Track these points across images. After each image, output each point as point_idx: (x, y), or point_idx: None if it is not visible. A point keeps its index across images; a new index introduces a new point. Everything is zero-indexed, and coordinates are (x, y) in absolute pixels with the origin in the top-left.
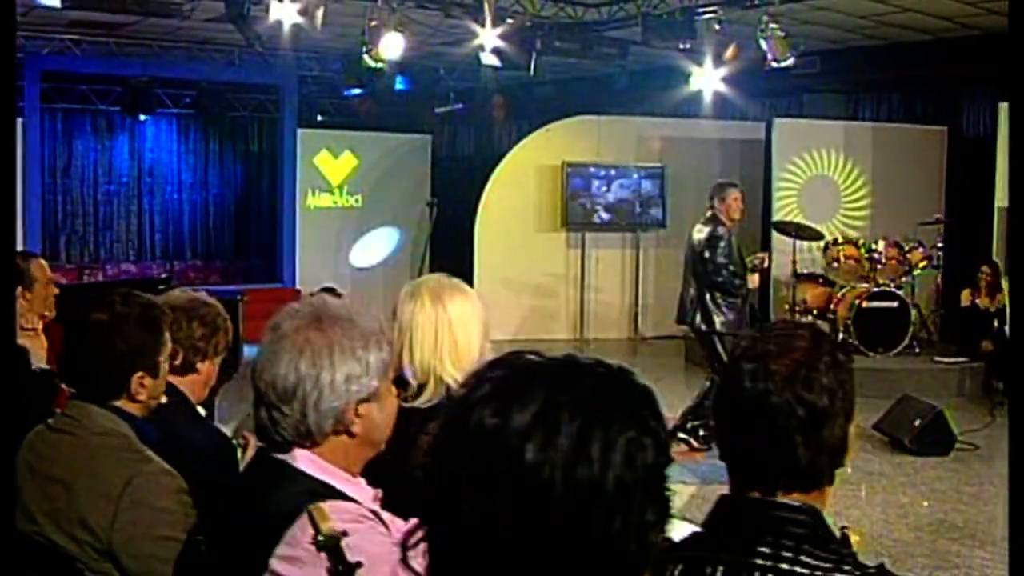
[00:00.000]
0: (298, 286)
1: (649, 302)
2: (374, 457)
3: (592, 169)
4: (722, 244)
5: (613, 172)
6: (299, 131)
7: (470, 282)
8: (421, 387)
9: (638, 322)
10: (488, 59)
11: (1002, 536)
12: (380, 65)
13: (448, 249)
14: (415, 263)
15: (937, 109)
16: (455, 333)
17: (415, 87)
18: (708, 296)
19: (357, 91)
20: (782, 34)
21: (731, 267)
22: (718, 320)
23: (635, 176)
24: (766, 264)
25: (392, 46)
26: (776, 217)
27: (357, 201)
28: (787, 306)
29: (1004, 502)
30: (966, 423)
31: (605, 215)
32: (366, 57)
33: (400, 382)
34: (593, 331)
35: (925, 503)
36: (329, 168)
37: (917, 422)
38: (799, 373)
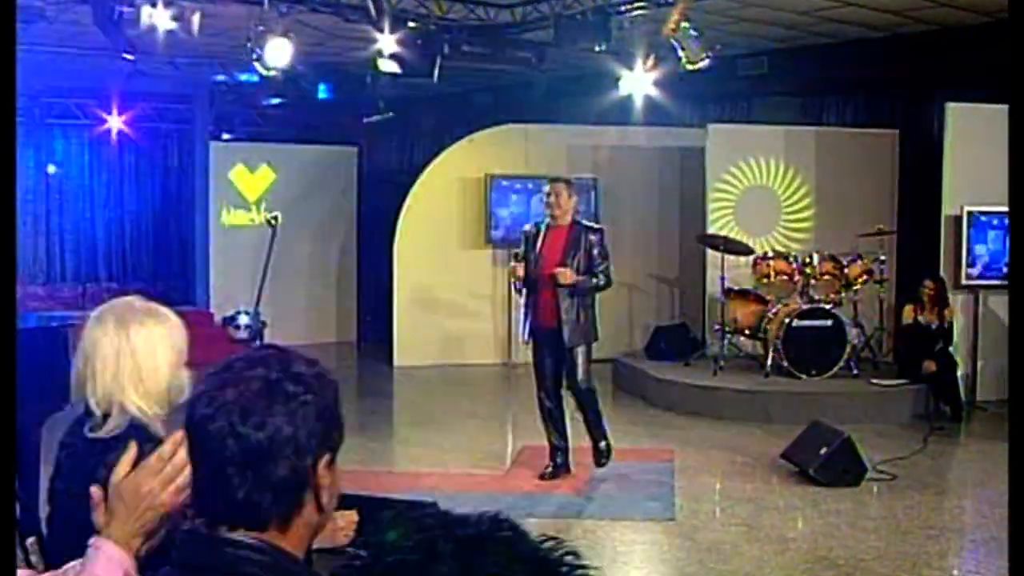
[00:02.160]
0: (212, 309)
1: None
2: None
3: (517, 182)
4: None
5: (541, 186)
6: (212, 144)
7: (390, 303)
8: (106, 416)
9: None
10: (386, 65)
11: (885, 574)
12: (272, 73)
13: (373, 268)
14: (343, 283)
15: (891, 112)
16: (139, 360)
17: (341, 96)
18: None
19: (276, 100)
20: (695, 34)
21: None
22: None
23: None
24: (519, 260)
25: (279, 53)
26: (711, 230)
27: (276, 218)
28: (718, 326)
29: (903, 536)
30: (892, 451)
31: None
32: (257, 65)
33: (87, 411)
34: (524, 355)
35: (814, 538)
36: (245, 183)
37: (823, 450)
38: (240, 403)
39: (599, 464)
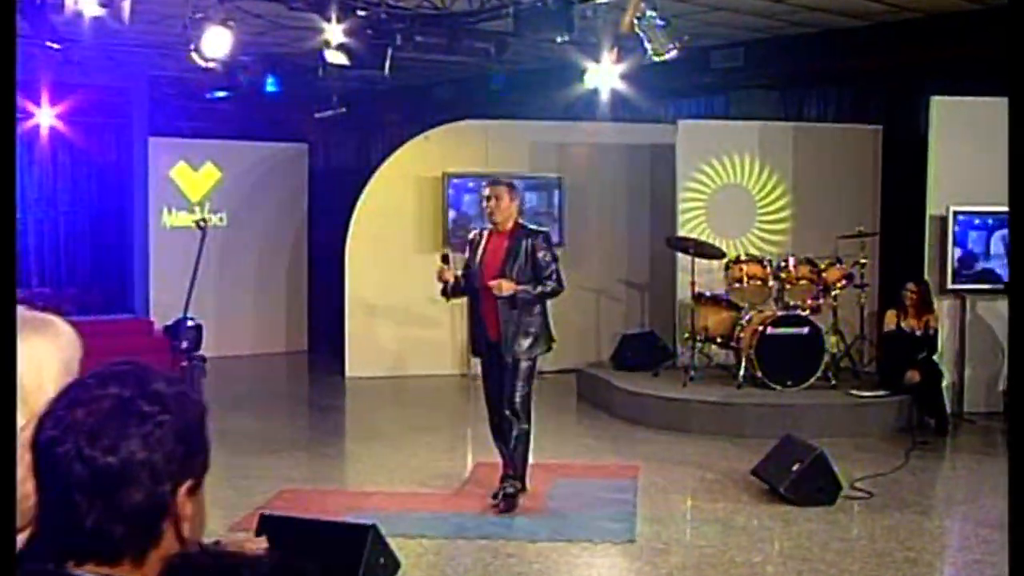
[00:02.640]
0: (151, 317)
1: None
2: None
3: (476, 180)
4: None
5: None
6: (151, 140)
7: (341, 311)
8: None
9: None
10: (334, 57)
11: None
12: (211, 65)
13: (325, 273)
14: (293, 289)
15: (874, 106)
16: (21, 379)
17: (290, 89)
18: None
19: (221, 94)
20: (661, 23)
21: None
22: None
23: (527, 187)
24: (447, 263)
25: (217, 43)
26: (682, 232)
27: (221, 219)
28: (688, 334)
29: (880, 559)
30: (872, 466)
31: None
32: (194, 55)
33: None
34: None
35: (783, 562)
36: (188, 182)
37: (796, 466)
38: (89, 424)
39: (498, 507)
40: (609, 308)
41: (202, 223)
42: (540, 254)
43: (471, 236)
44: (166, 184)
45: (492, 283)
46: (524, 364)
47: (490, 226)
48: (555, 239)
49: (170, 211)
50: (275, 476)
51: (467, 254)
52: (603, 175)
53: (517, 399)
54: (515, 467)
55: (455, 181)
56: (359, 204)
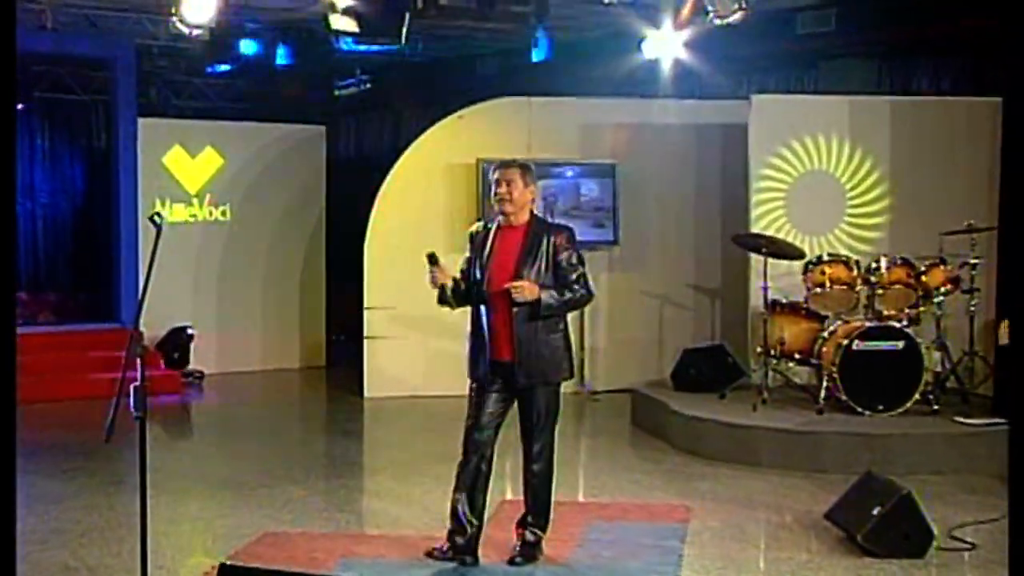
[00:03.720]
0: (142, 327)
1: (599, 345)
2: None
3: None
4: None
5: (548, 171)
6: (141, 122)
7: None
8: None
9: (584, 372)
10: (340, 23)
11: None
12: (199, 32)
13: (345, 276)
14: (309, 295)
15: (992, 74)
16: None
17: (304, 63)
18: None
19: (224, 68)
20: None
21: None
22: None
23: (577, 176)
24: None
25: (200, 7)
26: (756, 228)
27: (223, 213)
28: (759, 348)
29: None
30: (978, 511)
31: None
32: (175, 22)
33: None
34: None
35: None
36: (184, 170)
37: (876, 510)
38: None
39: (515, 558)
40: (673, 317)
41: (157, 218)
42: (564, 255)
43: (473, 230)
44: (159, 173)
45: (515, 284)
46: (544, 393)
47: (499, 219)
48: (609, 236)
49: (164, 204)
50: (263, 514)
51: (468, 253)
52: (666, 161)
53: (538, 443)
54: (536, 510)
55: (490, 168)
56: (379, 197)
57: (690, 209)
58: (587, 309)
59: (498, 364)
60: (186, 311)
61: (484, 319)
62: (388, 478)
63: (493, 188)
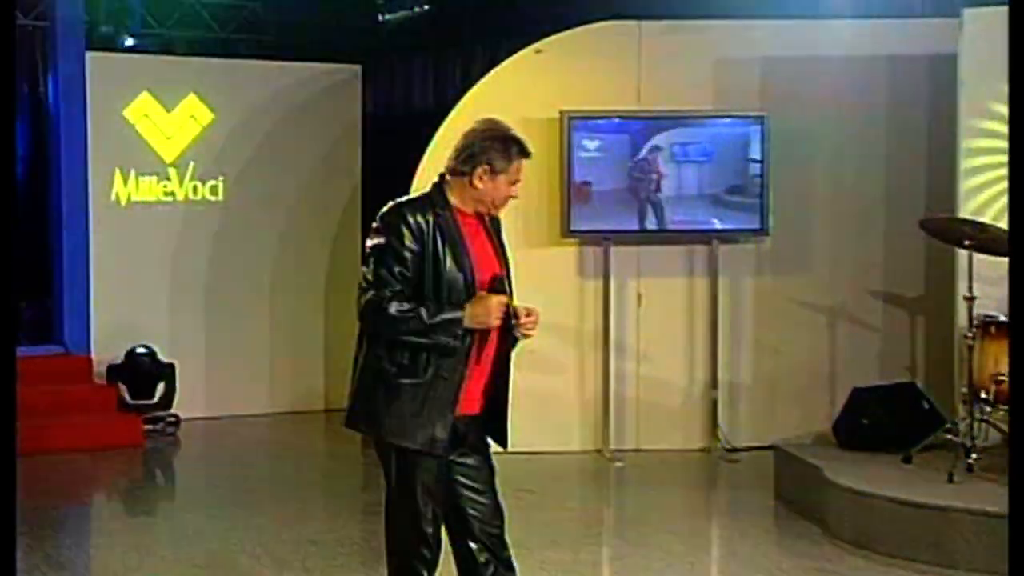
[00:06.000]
0: (92, 352)
1: (740, 380)
2: None
3: (620, 124)
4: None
5: (665, 130)
6: (91, 57)
7: None
8: None
9: (717, 418)
10: None
11: None
12: None
13: None
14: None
15: None
16: None
17: None
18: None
19: None
20: None
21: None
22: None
23: (708, 136)
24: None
25: None
26: (965, 206)
27: (214, 191)
28: (965, 382)
29: None
30: None
31: (649, 214)
32: None
33: None
34: (631, 434)
35: None
36: (156, 129)
37: None
38: None
39: None
40: (851, 341)
41: None
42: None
43: (416, 220)
44: (119, 132)
45: (528, 311)
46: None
47: (454, 202)
48: (754, 223)
49: (127, 176)
50: None
51: (413, 248)
52: (840, 112)
53: (501, 521)
54: None
55: (582, 125)
56: (422, 164)
57: (878, 183)
58: (720, 329)
59: (467, 419)
60: (159, 322)
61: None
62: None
63: (506, 185)
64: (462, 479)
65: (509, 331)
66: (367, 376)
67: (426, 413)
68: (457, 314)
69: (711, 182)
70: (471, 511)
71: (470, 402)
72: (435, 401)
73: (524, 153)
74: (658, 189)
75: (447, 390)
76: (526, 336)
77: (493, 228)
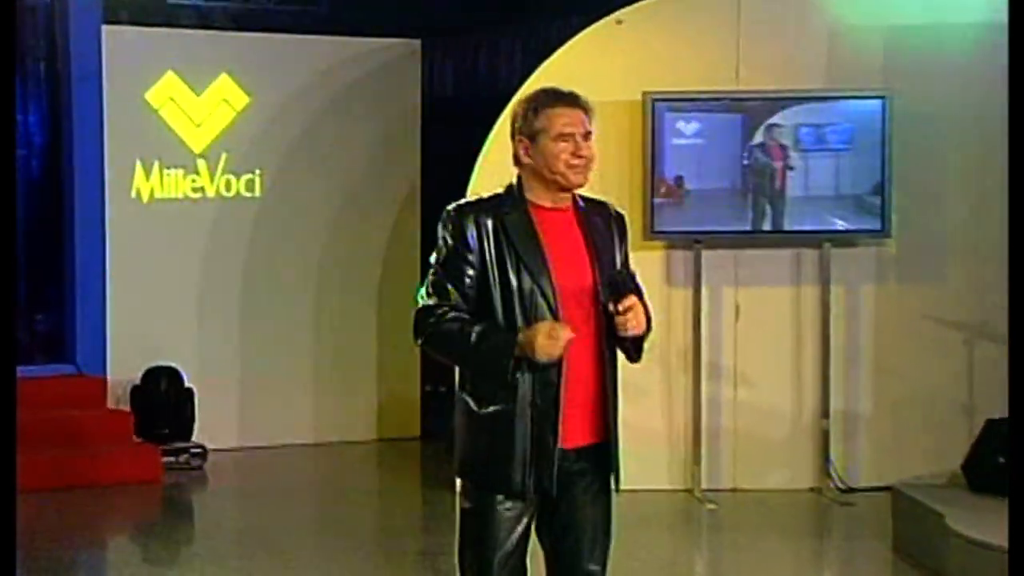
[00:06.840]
0: (107, 372)
1: (857, 409)
2: None
3: (715, 105)
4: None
5: (768, 114)
6: (107, 30)
7: None
8: None
9: (829, 453)
10: None
11: None
12: None
13: None
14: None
15: None
16: None
17: None
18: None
19: None
20: None
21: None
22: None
23: (819, 121)
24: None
25: None
26: None
27: (249, 186)
28: None
29: None
30: None
31: (747, 212)
32: None
33: None
34: (726, 472)
35: None
36: (183, 115)
37: None
38: None
39: None
40: (989, 362)
41: None
42: (626, 249)
43: (479, 221)
44: (142, 119)
45: (626, 306)
46: (608, 492)
47: (528, 194)
48: (874, 224)
49: (149, 170)
50: None
51: (473, 253)
52: (979, 93)
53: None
54: None
55: (670, 110)
56: (482, 155)
57: None
58: (834, 346)
59: (574, 452)
60: (182, 344)
61: (542, 373)
62: None
63: (553, 143)
64: (561, 521)
65: (610, 337)
66: (455, 403)
67: (501, 447)
68: (508, 339)
69: (823, 170)
70: (566, 557)
71: (577, 430)
72: (513, 433)
73: (559, 99)
74: (782, 182)
75: (530, 419)
76: (630, 328)
77: (605, 225)
